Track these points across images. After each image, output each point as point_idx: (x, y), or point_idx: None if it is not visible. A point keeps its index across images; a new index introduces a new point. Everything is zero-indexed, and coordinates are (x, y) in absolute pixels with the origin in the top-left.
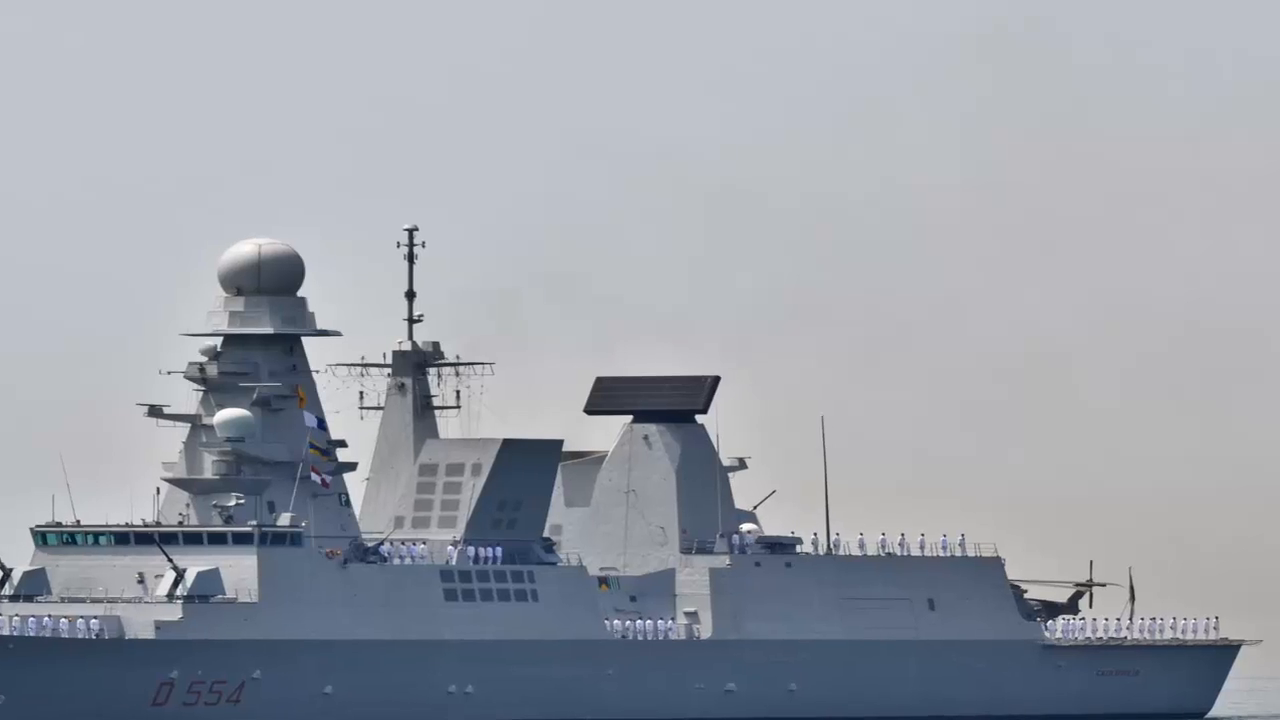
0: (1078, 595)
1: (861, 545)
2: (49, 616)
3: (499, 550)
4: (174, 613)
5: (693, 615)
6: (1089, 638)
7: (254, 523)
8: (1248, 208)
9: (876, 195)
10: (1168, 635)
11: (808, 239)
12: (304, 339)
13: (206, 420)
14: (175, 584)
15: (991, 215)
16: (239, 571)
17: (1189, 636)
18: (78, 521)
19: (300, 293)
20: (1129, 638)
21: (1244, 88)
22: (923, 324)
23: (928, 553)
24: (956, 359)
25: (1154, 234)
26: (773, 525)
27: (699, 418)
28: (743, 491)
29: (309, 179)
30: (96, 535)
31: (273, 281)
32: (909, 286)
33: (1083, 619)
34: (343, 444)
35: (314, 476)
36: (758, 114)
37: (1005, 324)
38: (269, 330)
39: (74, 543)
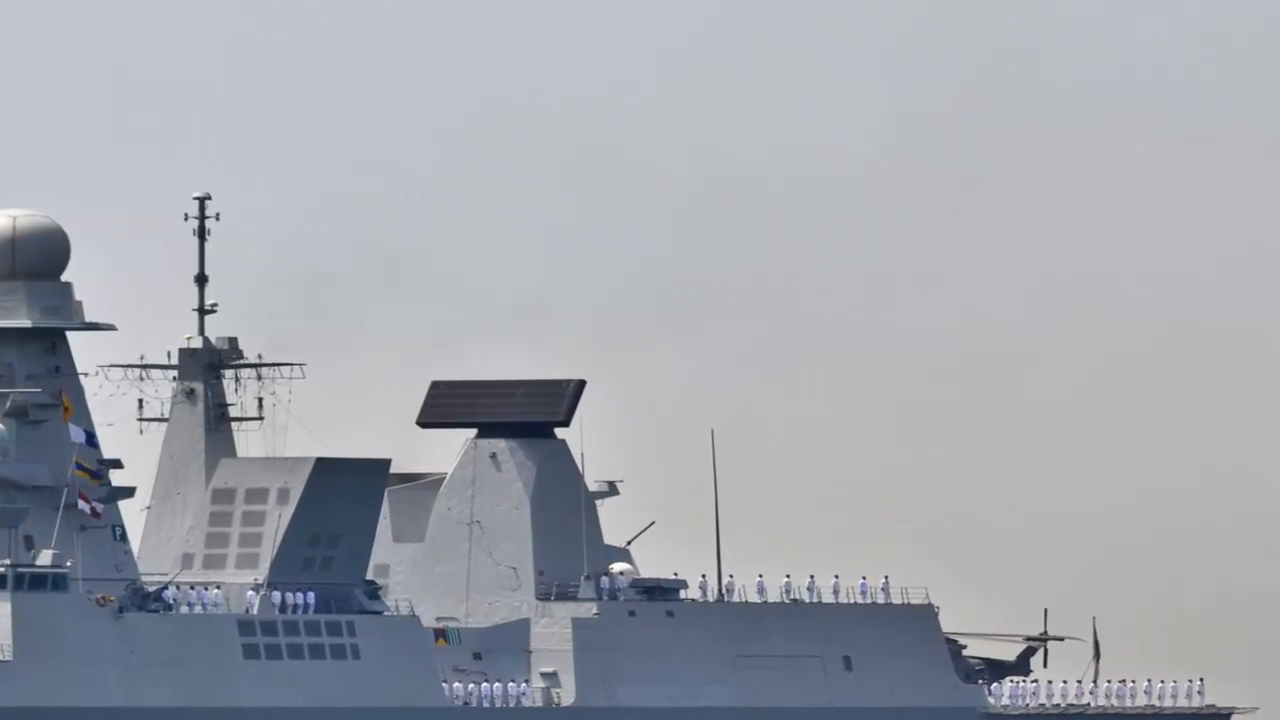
0: (1029, 652)
1: (761, 590)
2: None
3: (311, 596)
4: None
5: (551, 677)
6: (1043, 704)
7: (6, 562)
8: (1243, 175)
9: (779, 157)
10: (1140, 701)
11: (693, 211)
12: (69, 334)
13: None
14: None
15: (925, 182)
16: None
17: (1168, 703)
18: None
19: (64, 277)
20: (1093, 704)
21: (1235, 23)
22: (839, 317)
23: (843, 599)
24: (881, 360)
25: (1128, 208)
26: (651, 565)
27: (559, 432)
28: (613, 523)
29: (74, 137)
30: None
31: (30, 263)
32: (821, 270)
33: (1035, 681)
34: (117, 464)
35: (82, 504)
36: (629, 55)
37: (942, 317)
38: (25, 323)
39: None
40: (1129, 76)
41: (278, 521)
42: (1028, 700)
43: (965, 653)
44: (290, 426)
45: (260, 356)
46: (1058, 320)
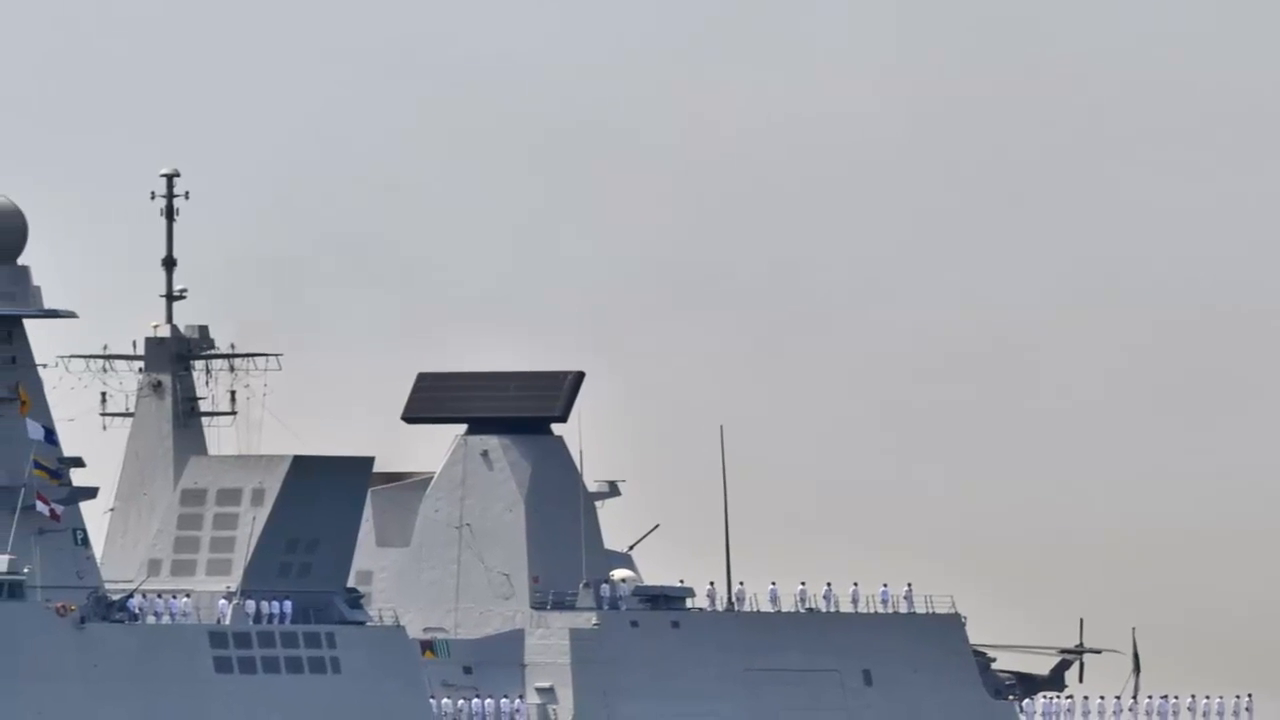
0: (1063, 665)
1: (774, 599)
2: None
3: (288, 605)
4: None
5: (548, 692)
6: None
7: None
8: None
9: (777, 132)
10: (1184, 719)
11: (691, 189)
12: (26, 322)
13: None
14: None
15: (931, 159)
16: None
17: (1213, 719)
18: None
19: (21, 260)
20: None
21: None
22: (848, 304)
23: (863, 608)
24: (895, 351)
25: (1152, 185)
26: (654, 572)
27: (556, 428)
28: (614, 527)
29: (31, 110)
30: None
31: None
32: (828, 254)
33: (1070, 697)
34: (79, 462)
35: (40, 506)
36: (611, 19)
37: (956, 306)
38: None
39: None
40: (1152, 47)
41: (252, 525)
42: (1062, 717)
43: (994, 666)
44: (265, 422)
45: (233, 346)
46: (1087, 311)
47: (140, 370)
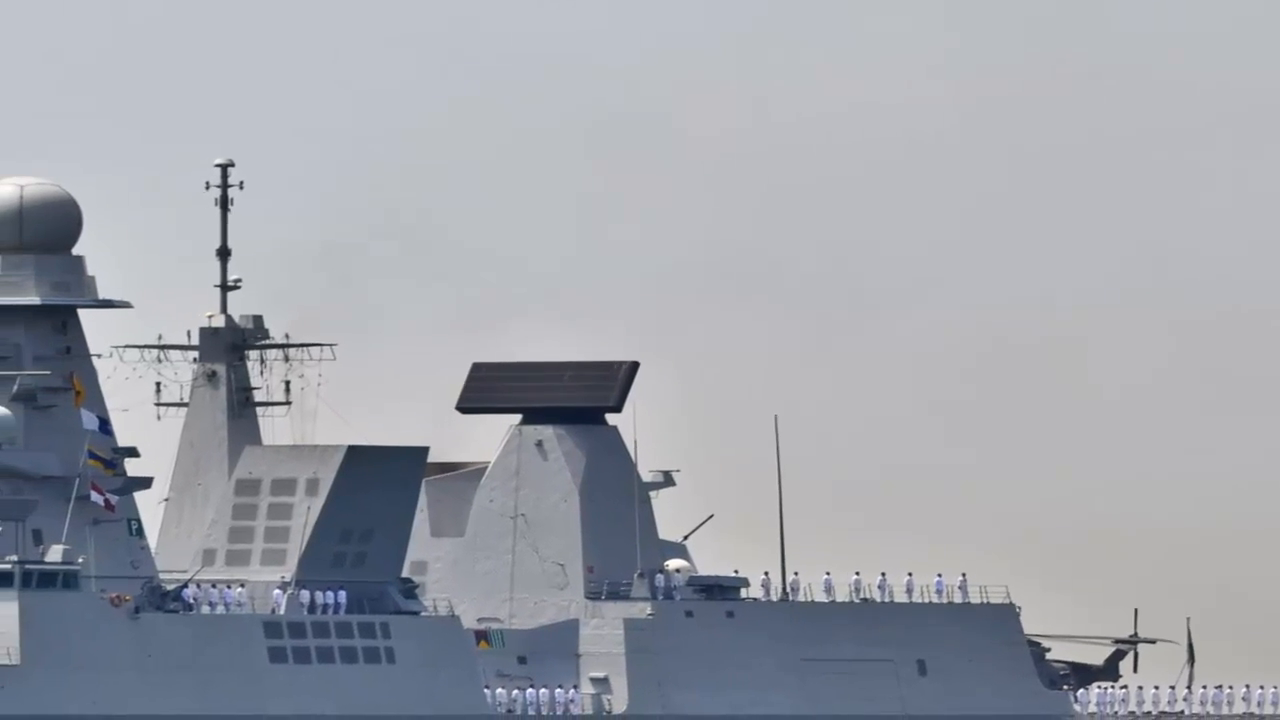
0: (1118, 655)
1: (828, 589)
2: None
3: (343, 595)
4: None
5: (602, 682)
6: (1134, 711)
7: (13, 558)
8: None
9: (831, 119)
10: (1239, 708)
11: (745, 180)
12: (81, 312)
13: None
14: None
15: (984, 151)
16: None
17: (1268, 710)
18: None
19: (76, 250)
20: (1187, 711)
21: None
22: (902, 294)
23: (917, 598)
24: (948, 340)
25: (1210, 173)
26: (709, 562)
27: (610, 417)
28: (669, 517)
29: (86, 100)
30: None
31: (39, 235)
32: (881, 244)
33: (1125, 687)
34: (133, 453)
35: (94, 496)
36: (668, 7)
37: (1008, 296)
38: (33, 300)
39: None
40: (1208, 38)
41: (306, 515)
42: (1116, 707)
43: (1049, 656)
44: (320, 412)
45: (287, 336)
46: (1140, 302)
47: (195, 360)
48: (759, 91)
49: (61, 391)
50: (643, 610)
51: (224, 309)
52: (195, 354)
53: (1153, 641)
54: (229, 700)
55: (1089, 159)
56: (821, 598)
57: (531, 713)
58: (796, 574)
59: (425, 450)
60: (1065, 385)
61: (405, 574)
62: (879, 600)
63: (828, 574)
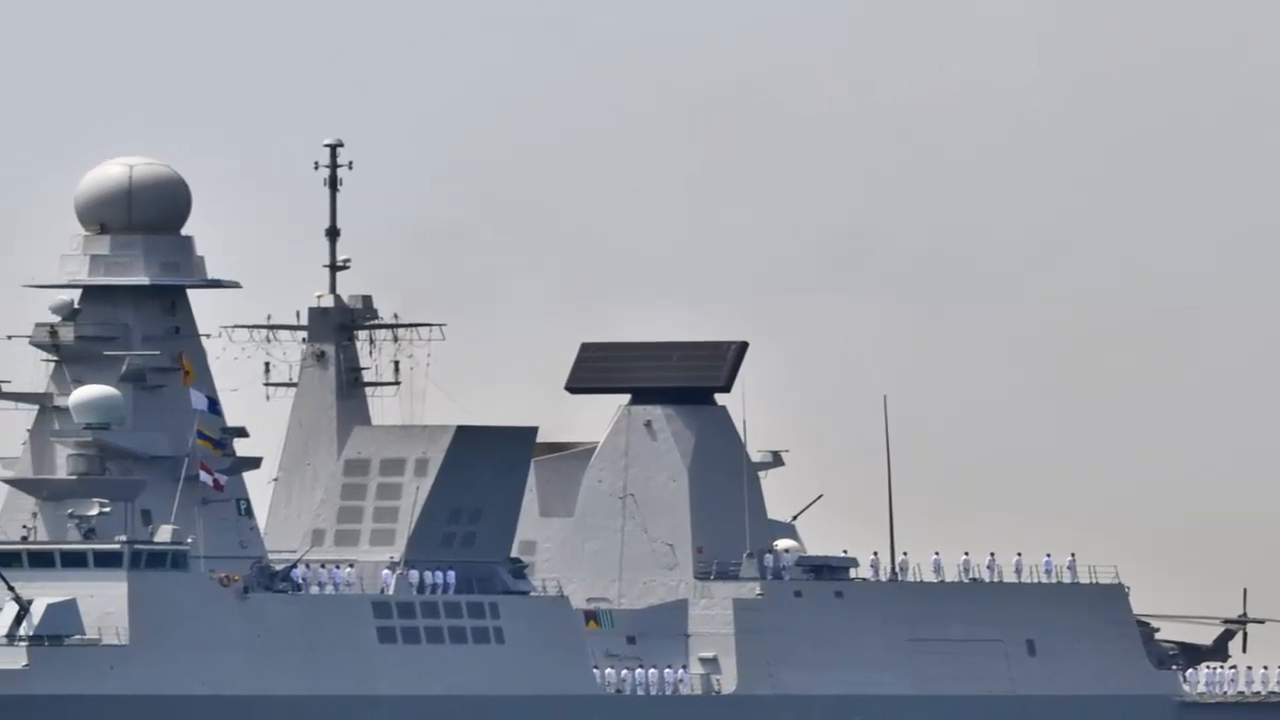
0: (1227, 635)
1: (937, 569)
2: None
3: (451, 575)
4: (16, 658)
5: (711, 662)
6: (1242, 692)
7: (123, 538)
8: None
9: (940, 100)
10: None
11: (852, 160)
12: (190, 292)
13: (60, 401)
14: (18, 620)
15: (1092, 127)
16: (103, 603)
17: None
18: None
19: (185, 231)
20: None
21: None
22: (1009, 272)
23: (1026, 578)
24: (1056, 319)
25: None
26: (818, 542)
27: (719, 397)
28: (778, 497)
29: (195, 80)
30: None
31: (148, 215)
32: (989, 222)
33: (1233, 667)
34: (242, 433)
35: (204, 476)
36: None
37: (1117, 274)
38: (143, 280)
39: None
40: None
41: (415, 495)
42: (1225, 688)
43: (1158, 636)
44: (429, 392)
45: (396, 316)
46: (1250, 279)
47: (304, 340)
48: (866, 74)
49: (170, 372)
50: (752, 590)
51: (333, 289)
52: (304, 334)
53: (1261, 621)
54: (337, 681)
55: (1194, 140)
56: (930, 578)
57: (640, 693)
58: (905, 554)
59: (534, 430)
60: (1175, 364)
61: (514, 554)
62: (988, 580)
63: (936, 554)
